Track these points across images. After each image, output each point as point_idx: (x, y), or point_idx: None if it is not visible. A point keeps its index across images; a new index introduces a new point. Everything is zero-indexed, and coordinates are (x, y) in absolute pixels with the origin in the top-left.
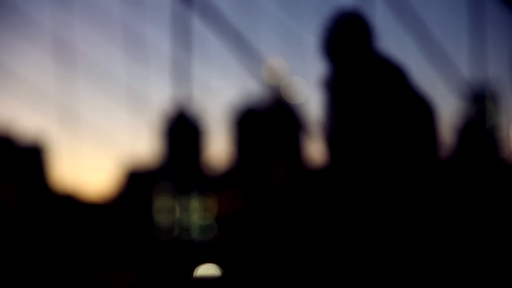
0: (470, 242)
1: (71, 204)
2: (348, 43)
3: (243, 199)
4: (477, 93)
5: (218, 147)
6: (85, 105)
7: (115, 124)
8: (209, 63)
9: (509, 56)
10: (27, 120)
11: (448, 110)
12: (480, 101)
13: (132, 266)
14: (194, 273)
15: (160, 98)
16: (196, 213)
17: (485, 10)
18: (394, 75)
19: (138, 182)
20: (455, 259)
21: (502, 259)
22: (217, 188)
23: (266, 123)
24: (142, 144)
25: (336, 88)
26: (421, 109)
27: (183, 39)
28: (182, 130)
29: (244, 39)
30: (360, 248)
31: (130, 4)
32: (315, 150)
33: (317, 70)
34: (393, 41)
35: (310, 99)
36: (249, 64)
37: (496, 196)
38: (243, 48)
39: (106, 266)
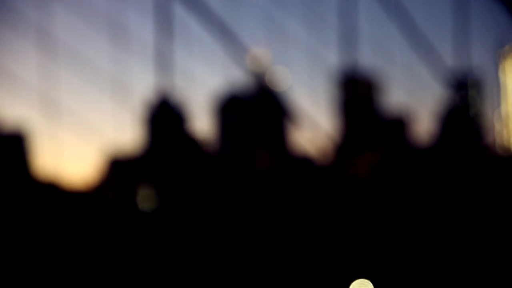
0: (456, 227)
1: (53, 192)
2: None
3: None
4: (461, 81)
5: (202, 135)
6: (67, 93)
7: (98, 112)
8: (192, 51)
9: (493, 44)
10: (9, 109)
11: (432, 97)
12: (463, 89)
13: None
14: None
15: (143, 87)
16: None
17: None
18: None
19: (121, 170)
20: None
21: (488, 243)
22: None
23: (250, 110)
24: (125, 132)
25: None
26: None
27: (166, 27)
28: (165, 118)
29: (227, 27)
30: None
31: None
32: (299, 137)
33: (300, 58)
34: (379, 30)
35: (293, 87)
36: (233, 52)
37: (479, 181)
38: (226, 36)
39: (90, 255)
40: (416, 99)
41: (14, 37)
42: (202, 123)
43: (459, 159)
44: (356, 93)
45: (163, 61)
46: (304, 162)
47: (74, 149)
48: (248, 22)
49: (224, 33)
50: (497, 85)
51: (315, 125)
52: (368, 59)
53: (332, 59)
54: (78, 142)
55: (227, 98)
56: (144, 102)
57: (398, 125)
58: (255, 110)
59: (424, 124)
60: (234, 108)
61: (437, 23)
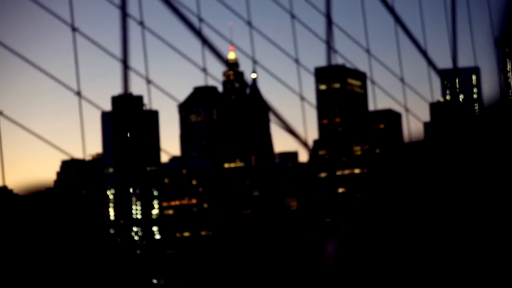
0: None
1: (13, 195)
2: None
3: (198, 190)
4: (455, 73)
5: (171, 139)
6: (29, 96)
7: (63, 116)
8: (162, 53)
9: (488, 37)
10: None
11: (425, 89)
12: (458, 81)
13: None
14: None
15: (106, 92)
16: (145, 206)
17: None
18: None
19: (86, 175)
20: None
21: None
22: (173, 180)
23: (224, 109)
24: (91, 137)
25: None
26: None
27: (129, 30)
28: (133, 123)
29: (200, 26)
30: None
31: (78, 5)
32: (279, 133)
33: (271, 57)
34: (377, 23)
35: (266, 85)
36: (204, 52)
37: (468, 167)
38: (200, 36)
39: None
40: (407, 90)
41: None
42: (172, 126)
43: (451, 150)
44: (345, 86)
45: (127, 65)
46: (286, 158)
47: (37, 150)
48: (220, 21)
49: (198, 33)
50: (495, 77)
51: (298, 120)
52: (356, 51)
53: (319, 54)
54: (41, 144)
55: (200, 98)
56: (113, 104)
57: (389, 116)
58: (229, 109)
59: (416, 116)
60: (207, 110)
61: (433, 14)
